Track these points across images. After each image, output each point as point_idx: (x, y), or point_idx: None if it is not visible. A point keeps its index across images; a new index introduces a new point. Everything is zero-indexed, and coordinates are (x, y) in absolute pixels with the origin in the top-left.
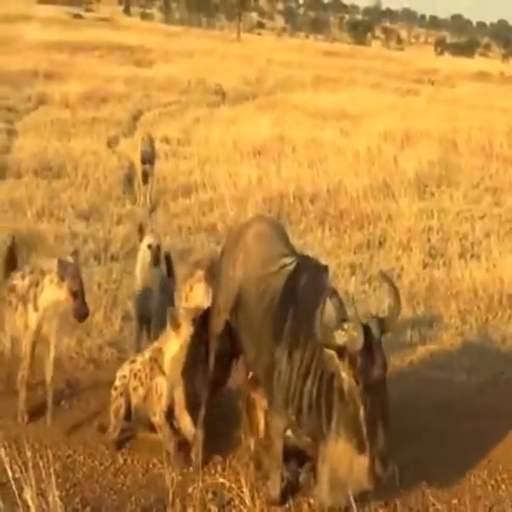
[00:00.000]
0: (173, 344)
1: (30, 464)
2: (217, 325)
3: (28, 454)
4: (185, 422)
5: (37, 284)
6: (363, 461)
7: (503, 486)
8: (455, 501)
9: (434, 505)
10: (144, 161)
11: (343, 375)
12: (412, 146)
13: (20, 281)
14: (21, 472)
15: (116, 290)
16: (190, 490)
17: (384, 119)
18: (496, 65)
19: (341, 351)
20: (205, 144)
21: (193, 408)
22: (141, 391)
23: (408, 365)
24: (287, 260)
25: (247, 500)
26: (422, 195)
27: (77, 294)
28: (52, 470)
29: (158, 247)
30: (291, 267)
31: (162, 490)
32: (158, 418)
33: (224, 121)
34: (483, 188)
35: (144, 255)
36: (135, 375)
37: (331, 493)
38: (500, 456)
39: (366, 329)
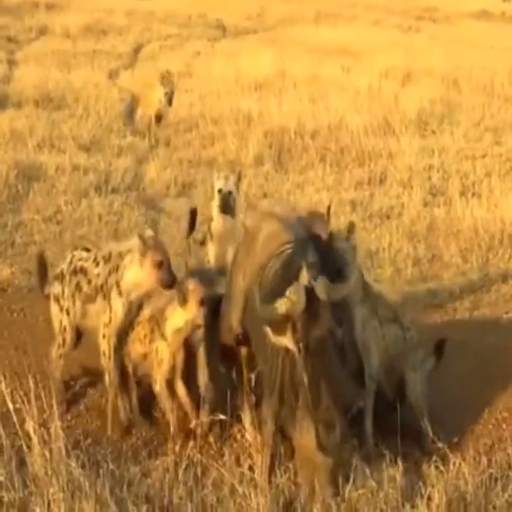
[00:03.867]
0: (179, 316)
1: (32, 395)
2: (228, 339)
3: (31, 384)
4: (181, 391)
5: (117, 269)
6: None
7: (504, 425)
8: (456, 440)
9: (434, 443)
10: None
11: (286, 342)
12: (414, 84)
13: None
14: (23, 403)
15: (116, 223)
16: (191, 425)
17: (385, 56)
18: (497, 5)
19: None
20: (206, 78)
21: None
22: (140, 349)
23: (408, 303)
24: (288, 245)
25: (249, 435)
26: (423, 133)
27: (162, 264)
28: (53, 401)
29: (229, 193)
30: (290, 250)
31: (164, 424)
32: (158, 387)
33: (225, 55)
34: (484, 127)
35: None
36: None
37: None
38: (501, 395)
39: (309, 292)
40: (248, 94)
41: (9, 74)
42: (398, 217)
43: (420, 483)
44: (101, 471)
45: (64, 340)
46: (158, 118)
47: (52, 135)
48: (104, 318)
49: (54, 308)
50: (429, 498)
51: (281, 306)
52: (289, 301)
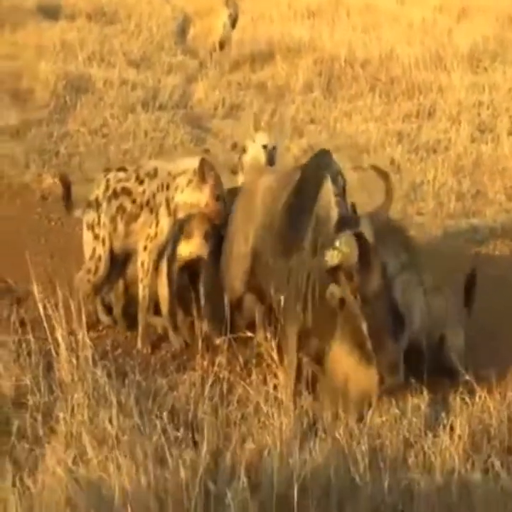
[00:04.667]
0: (183, 245)
1: (61, 305)
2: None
3: (60, 294)
4: (164, 290)
5: (167, 187)
6: (369, 373)
7: None
8: (485, 374)
9: (462, 375)
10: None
11: (341, 292)
12: (468, 20)
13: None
14: (53, 310)
15: (162, 139)
16: (218, 341)
17: None
18: None
19: (336, 270)
20: (259, 1)
21: None
22: None
23: (450, 238)
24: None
25: (274, 354)
26: (475, 70)
27: (219, 198)
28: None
29: (274, 148)
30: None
31: (191, 337)
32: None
33: None
34: None
35: (257, 155)
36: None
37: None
38: None
39: (359, 238)
40: (301, 21)
41: None
42: (445, 151)
43: (444, 414)
44: (127, 381)
45: (97, 268)
46: (222, 44)
47: (102, 49)
48: (150, 232)
49: (87, 235)
50: (452, 429)
51: (333, 258)
52: (340, 253)
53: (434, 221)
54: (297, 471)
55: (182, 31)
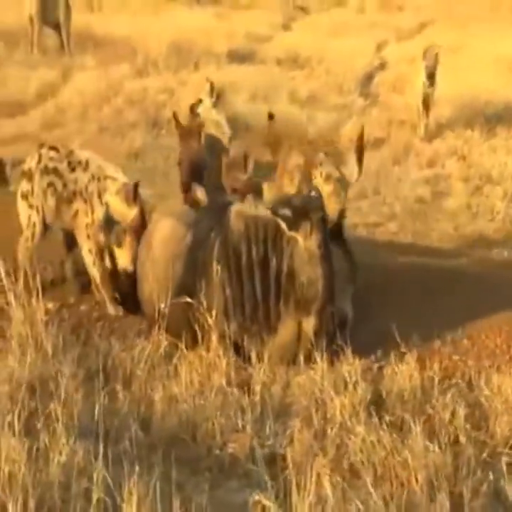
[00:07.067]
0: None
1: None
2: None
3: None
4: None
5: (98, 180)
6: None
7: None
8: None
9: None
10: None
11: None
12: None
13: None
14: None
15: None
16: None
17: None
18: None
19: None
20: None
21: None
22: None
23: None
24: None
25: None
26: None
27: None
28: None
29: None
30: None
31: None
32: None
33: None
34: None
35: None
36: None
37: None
38: None
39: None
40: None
41: None
42: None
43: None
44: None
45: (33, 235)
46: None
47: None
48: (87, 221)
49: (22, 204)
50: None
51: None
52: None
53: None
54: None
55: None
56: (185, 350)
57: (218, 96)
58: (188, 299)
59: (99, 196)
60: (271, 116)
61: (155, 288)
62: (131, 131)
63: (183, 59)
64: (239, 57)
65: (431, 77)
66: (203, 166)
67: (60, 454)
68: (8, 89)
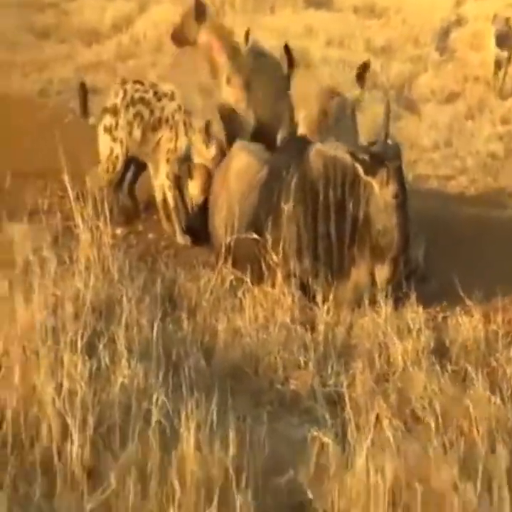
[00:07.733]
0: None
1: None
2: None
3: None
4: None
5: (185, 111)
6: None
7: None
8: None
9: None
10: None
11: (378, 190)
12: None
13: None
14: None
15: None
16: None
17: None
18: None
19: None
20: None
21: None
22: None
23: None
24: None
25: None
26: None
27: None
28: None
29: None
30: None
31: None
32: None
33: None
34: None
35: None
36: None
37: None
38: None
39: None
40: None
41: None
42: None
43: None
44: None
45: (114, 167)
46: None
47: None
48: (170, 146)
49: (104, 138)
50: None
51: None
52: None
53: None
54: None
55: None
56: (250, 285)
57: None
58: (255, 236)
59: (185, 126)
60: (287, 49)
61: (228, 220)
62: None
63: (259, 1)
64: (316, 2)
65: (501, 41)
66: None
67: (122, 375)
68: (85, 18)
